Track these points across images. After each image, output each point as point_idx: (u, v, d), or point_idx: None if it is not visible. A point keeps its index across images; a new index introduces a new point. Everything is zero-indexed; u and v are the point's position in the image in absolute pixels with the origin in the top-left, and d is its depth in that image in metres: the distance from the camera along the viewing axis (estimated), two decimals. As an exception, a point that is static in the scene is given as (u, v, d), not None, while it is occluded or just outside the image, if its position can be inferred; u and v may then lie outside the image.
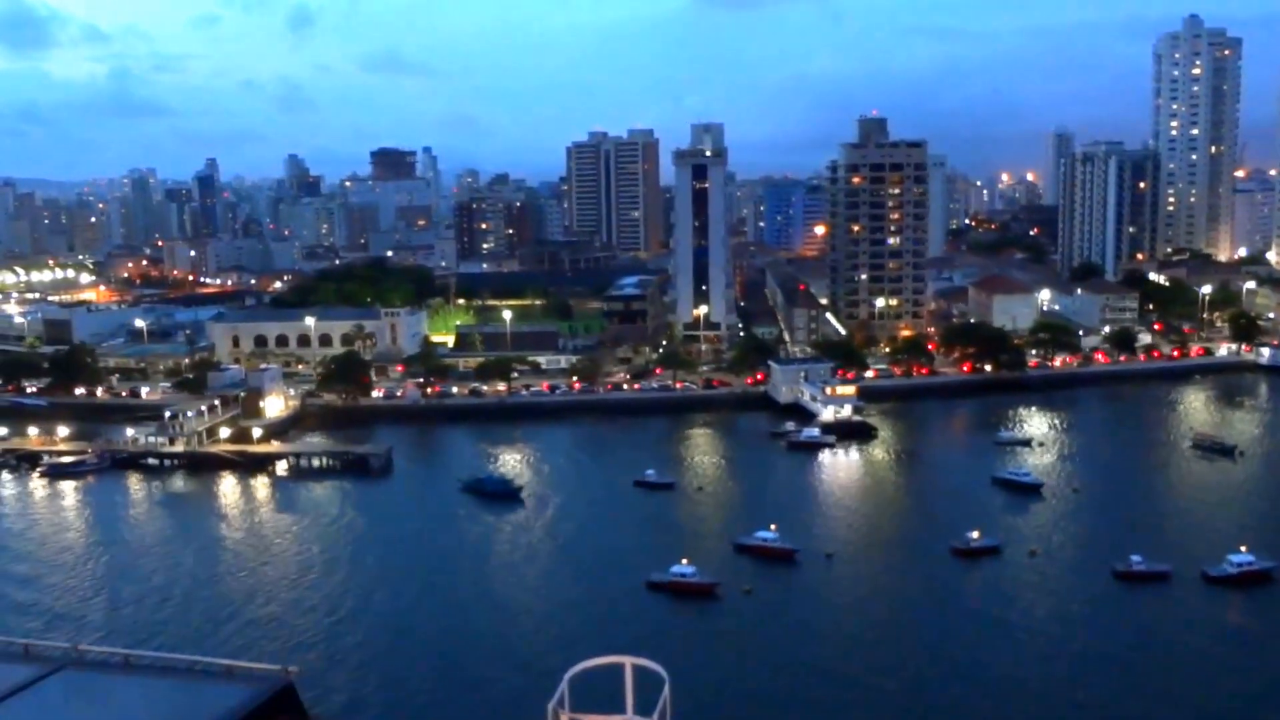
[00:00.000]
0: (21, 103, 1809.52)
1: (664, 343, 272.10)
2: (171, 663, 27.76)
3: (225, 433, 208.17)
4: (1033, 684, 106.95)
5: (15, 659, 27.18)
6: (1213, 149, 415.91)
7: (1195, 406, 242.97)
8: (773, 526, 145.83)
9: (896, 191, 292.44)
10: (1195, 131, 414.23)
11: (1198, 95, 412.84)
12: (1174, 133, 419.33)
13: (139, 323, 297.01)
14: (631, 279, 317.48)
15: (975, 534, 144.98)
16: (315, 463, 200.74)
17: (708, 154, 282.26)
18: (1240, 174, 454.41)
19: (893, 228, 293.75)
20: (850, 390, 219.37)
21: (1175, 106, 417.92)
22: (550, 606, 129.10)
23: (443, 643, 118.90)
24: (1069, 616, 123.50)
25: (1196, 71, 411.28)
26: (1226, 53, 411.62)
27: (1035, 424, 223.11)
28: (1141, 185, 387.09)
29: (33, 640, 27.50)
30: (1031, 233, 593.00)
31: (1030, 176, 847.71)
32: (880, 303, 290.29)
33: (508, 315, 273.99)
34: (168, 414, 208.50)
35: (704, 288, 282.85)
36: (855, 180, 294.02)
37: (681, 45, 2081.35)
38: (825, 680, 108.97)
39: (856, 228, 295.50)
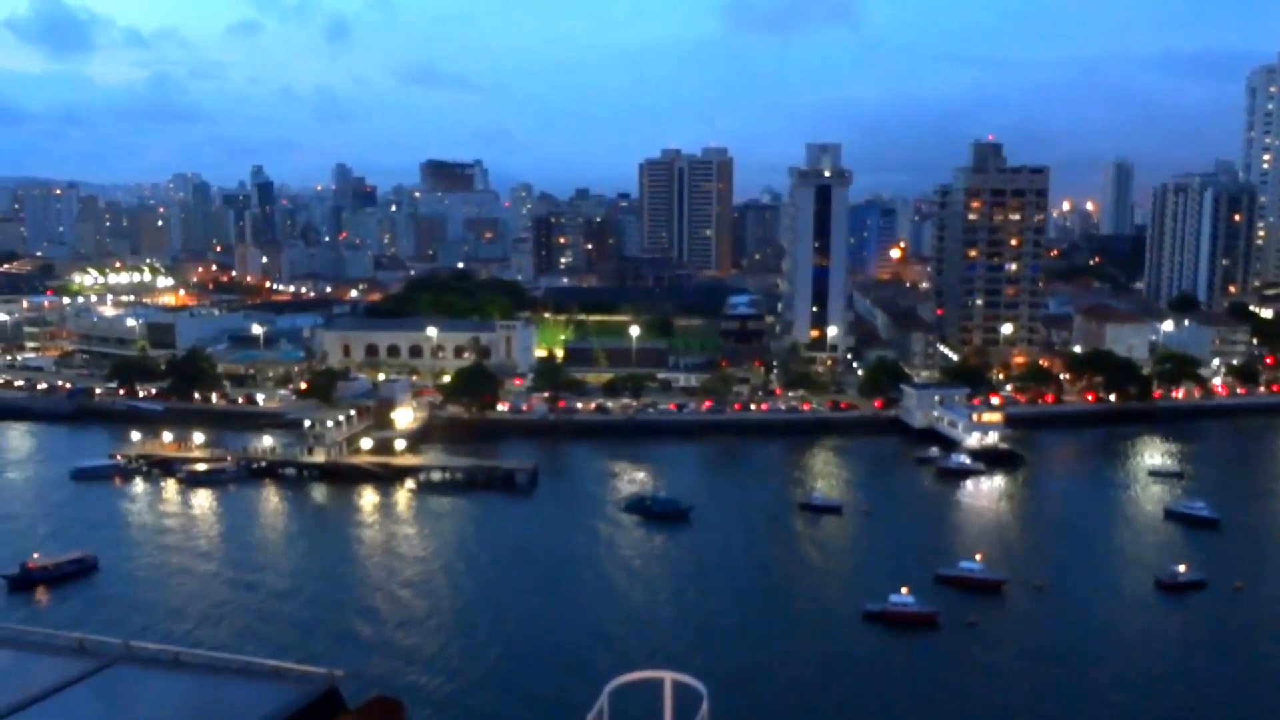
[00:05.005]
0: (62, 105, 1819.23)
1: (774, 363, 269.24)
2: (220, 662, 27.05)
3: (366, 444, 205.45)
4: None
5: (69, 653, 27.15)
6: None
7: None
8: (978, 556, 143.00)
9: (1017, 217, 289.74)
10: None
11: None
12: (1266, 165, 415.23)
13: (256, 329, 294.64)
14: (742, 298, 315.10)
15: (1182, 567, 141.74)
16: (459, 476, 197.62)
17: (827, 174, 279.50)
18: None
19: (1011, 254, 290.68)
20: (997, 417, 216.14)
21: (1269, 140, 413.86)
22: (767, 637, 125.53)
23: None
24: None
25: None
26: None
27: (1174, 456, 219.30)
28: (1236, 217, 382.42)
29: (86, 635, 27.04)
30: (1092, 261, 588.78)
31: (1066, 205, 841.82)
32: (1007, 329, 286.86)
33: (635, 332, 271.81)
34: (307, 424, 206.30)
35: (815, 309, 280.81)
36: (974, 204, 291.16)
37: (715, 67, 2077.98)
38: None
39: (973, 252, 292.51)
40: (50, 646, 28.34)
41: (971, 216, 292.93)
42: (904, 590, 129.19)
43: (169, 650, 27.81)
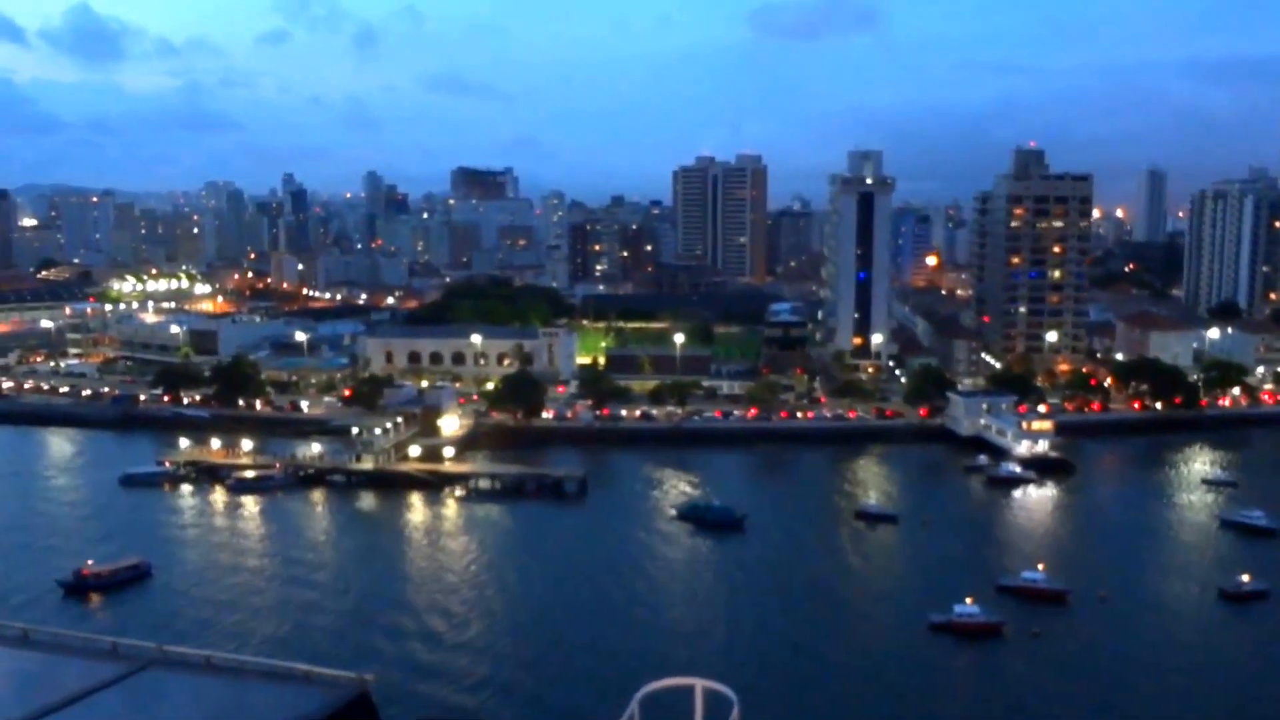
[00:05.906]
0: (95, 114, 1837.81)
1: (817, 371, 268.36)
2: (251, 665, 27.19)
3: (415, 451, 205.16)
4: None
5: (103, 657, 27.86)
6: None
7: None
8: (1040, 566, 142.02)
9: (1060, 224, 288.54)
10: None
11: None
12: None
13: (299, 335, 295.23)
14: (784, 305, 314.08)
15: (1245, 577, 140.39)
16: (508, 484, 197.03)
17: (869, 181, 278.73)
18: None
19: (1054, 261, 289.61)
20: (1048, 425, 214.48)
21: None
22: (834, 647, 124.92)
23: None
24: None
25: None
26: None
27: (1224, 464, 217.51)
28: (1277, 224, 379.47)
29: (120, 639, 27.37)
30: (1128, 268, 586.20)
31: (1097, 212, 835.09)
32: (1053, 336, 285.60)
33: (679, 339, 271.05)
34: (355, 431, 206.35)
35: (857, 316, 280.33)
36: (1017, 212, 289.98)
37: (741, 74, 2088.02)
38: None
39: (1016, 259, 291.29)
40: (85, 650, 28.85)
41: (1014, 223, 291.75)
42: (968, 600, 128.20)
43: (201, 654, 28.25)
